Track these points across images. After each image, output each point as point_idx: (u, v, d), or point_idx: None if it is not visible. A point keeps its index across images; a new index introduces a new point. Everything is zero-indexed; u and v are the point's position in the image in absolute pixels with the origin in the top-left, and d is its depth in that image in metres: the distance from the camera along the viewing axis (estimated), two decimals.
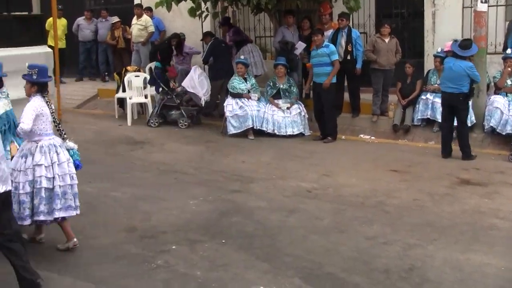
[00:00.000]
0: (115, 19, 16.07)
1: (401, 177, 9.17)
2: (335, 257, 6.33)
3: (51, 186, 6.32)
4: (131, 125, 12.77)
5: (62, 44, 15.73)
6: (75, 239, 6.62)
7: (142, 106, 13.70)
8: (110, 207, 7.92)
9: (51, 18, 13.73)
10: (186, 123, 12.58)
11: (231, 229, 7.17)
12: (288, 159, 10.29)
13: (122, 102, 13.56)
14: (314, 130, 11.93)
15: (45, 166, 6.27)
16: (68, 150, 6.58)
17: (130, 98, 13.04)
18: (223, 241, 6.80)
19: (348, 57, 11.98)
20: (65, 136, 6.68)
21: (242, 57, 12.71)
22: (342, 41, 12.03)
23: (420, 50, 13.04)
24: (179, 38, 13.81)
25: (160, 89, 12.87)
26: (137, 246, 6.67)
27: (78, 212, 6.66)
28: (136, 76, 13.26)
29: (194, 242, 6.78)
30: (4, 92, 6.71)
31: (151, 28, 15.17)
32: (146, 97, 13.20)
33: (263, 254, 6.42)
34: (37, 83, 6.44)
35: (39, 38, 13.02)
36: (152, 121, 12.68)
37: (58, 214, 6.39)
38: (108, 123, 13.08)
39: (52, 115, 6.47)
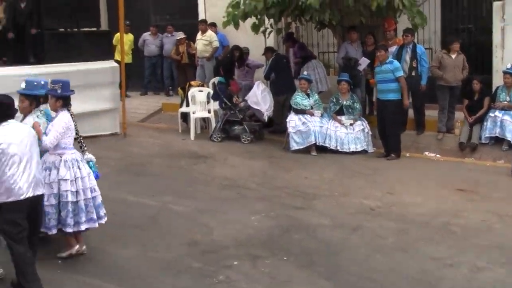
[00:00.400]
0: (181, 35, 16.25)
1: (468, 197, 8.92)
2: (399, 277, 6.19)
3: (75, 200, 6.54)
4: (194, 139, 12.85)
5: (128, 59, 16.02)
6: (77, 246, 6.76)
7: (205, 120, 13.78)
8: (172, 220, 7.96)
9: (118, 34, 14.02)
10: (248, 138, 12.58)
11: (293, 245, 7.11)
12: (351, 176, 10.15)
13: (185, 116, 13.68)
14: (377, 147, 11.75)
15: (70, 181, 6.49)
16: (87, 162, 6.83)
17: (193, 113, 13.14)
18: (285, 257, 6.75)
19: (413, 73, 11.79)
20: (85, 148, 7.00)
21: (305, 73, 12.67)
22: (407, 57, 11.85)
23: (488, 66, 12.70)
24: (241, 50, 13.84)
25: (223, 104, 12.93)
26: (199, 261, 6.67)
27: (103, 221, 6.87)
28: (199, 91, 13.37)
29: (255, 258, 6.75)
30: (42, 111, 6.77)
31: (216, 44, 15.29)
32: (209, 112, 13.27)
33: (325, 272, 6.33)
34: (61, 97, 6.59)
35: (107, 53, 13.36)
36: (215, 135, 12.73)
37: (83, 227, 6.64)
38: (172, 137, 13.19)
39: (75, 129, 6.72)
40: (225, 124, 12.89)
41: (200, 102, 13.27)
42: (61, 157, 6.50)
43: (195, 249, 7.00)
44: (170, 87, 17.21)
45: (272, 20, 12.83)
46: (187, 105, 13.45)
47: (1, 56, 12.82)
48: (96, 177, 6.87)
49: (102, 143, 12.37)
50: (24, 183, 5.64)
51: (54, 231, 6.55)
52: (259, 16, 12.32)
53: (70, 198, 6.48)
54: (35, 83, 6.59)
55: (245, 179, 9.94)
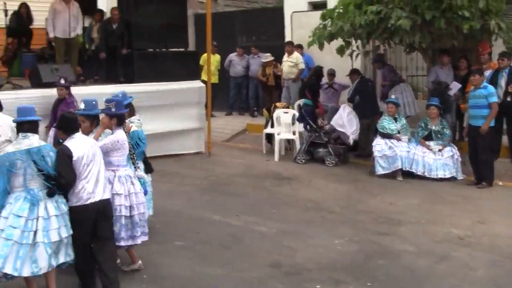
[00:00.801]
0: (268, 57, 16.32)
1: None
2: None
3: (129, 214, 6.64)
4: (278, 160, 12.80)
5: (214, 79, 16.20)
6: (140, 262, 6.87)
7: (289, 142, 13.72)
8: (256, 241, 7.91)
9: (205, 54, 14.21)
10: (333, 161, 12.43)
11: (377, 272, 6.93)
12: (438, 203, 9.84)
13: (270, 137, 13.67)
14: (467, 174, 11.34)
15: (124, 195, 6.61)
16: (138, 179, 6.94)
17: (278, 134, 13.12)
18: (369, 283, 6.60)
19: (508, 99, 11.36)
20: (138, 165, 7.17)
21: (393, 96, 12.44)
22: (502, 82, 11.43)
23: None
24: (320, 70, 13.76)
25: (309, 126, 12.85)
26: (282, 282, 6.60)
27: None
28: (285, 113, 13.34)
29: (338, 282, 6.63)
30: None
31: (302, 65, 15.27)
32: (294, 133, 13.21)
33: None
34: (115, 115, 6.74)
35: (194, 73, 13.55)
36: (299, 157, 12.65)
37: (139, 240, 6.76)
38: (256, 158, 13.20)
39: (130, 146, 6.93)
40: (310, 146, 12.80)
41: (285, 124, 13.24)
42: (115, 173, 6.66)
43: (278, 271, 6.94)
44: (255, 108, 17.29)
45: (359, 42, 12.70)
46: (272, 126, 13.46)
47: (93, 75, 13.23)
48: (145, 193, 7.01)
49: (187, 161, 12.53)
50: (92, 189, 6.01)
51: None
52: (345, 38, 12.22)
53: (124, 212, 6.59)
54: (94, 103, 6.73)
55: (329, 202, 9.80)
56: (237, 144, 15.03)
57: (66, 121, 6.15)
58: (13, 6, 13.34)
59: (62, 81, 10.26)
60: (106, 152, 6.56)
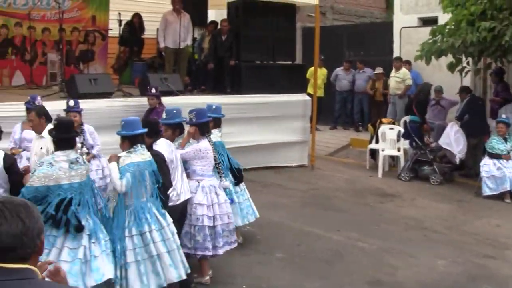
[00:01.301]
0: (379, 70, 16.21)
1: None
2: None
3: (212, 225, 6.68)
4: (381, 177, 12.68)
5: (320, 92, 16.24)
6: (207, 277, 6.82)
7: (393, 159, 13.56)
8: (356, 257, 7.87)
9: (312, 68, 14.29)
10: (438, 180, 12.18)
11: None
12: None
13: (374, 153, 13.57)
14: None
15: (207, 206, 6.68)
16: (224, 189, 6.99)
17: (382, 150, 12.99)
18: None
19: None
20: (223, 175, 7.12)
21: (503, 116, 12.05)
22: None
23: None
24: (429, 87, 13.51)
25: (414, 143, 12.66)
26: None
27: (234, 246, 6.99)
28: (390, 129, 13.20)
29: None
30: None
31: (409, 81, 15.06)
32: (398, 150, 13.05)
33: None
34: (197, 125, 6.85)
35: (300, 86, 13.64)
36: (403, 174, 12.48)
37: (221, 251, 6.78)
38: (359, 173, 13.13)
39: (214, 155, 6.95)
40: (415, 164, 12.61)
41: (390, 140, 13.10)
42: (199, 183, 6.78)
43: None
44: (360, 123, 17.21)
45: (470, 59, 12.39)
46: (377, 142, 13.35)
47: (200, 85, 13.55)
48: (231, 202, 7.05)
49: (289, 173, 12.62)
50: (179, 190, 6.31)
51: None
52: (456, 55, 11.96)
53: (206, 222, 6.64)
54: (175, 112, 6.90)
55: (432, 221, 9.62)
56: (340, 158, 14.99)
57: (149, 126, 6.30)
58: (126, 16, 13.84)
59: (153, 91, 10.22)
60: (189, 161, 6.75)
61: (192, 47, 14.13)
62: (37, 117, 7.16)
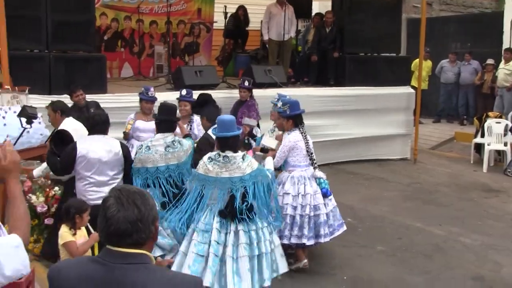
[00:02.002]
0: (490, 61, 15.73)
1: None
2: None
3: (293, 214, 6.68)
4: (486, 172, 12.34)
5: (424, 85, 15.96)
6: (305, 261, 6.84)
7: (500, 153, 13.17)
8: (459, 252, 7.75)
9: (417, 60, 14.07)
10: None
11: None
12: None
13: (479, 147, 13.22)
14: None
15: (292, 196, 6.69)
16: (318, 179, 6.90)
17: (488, 145, 12.65)
18: None
19: None
20: (316, 165, 7.00)
21: None
22: None
23: None
24: None
25: None
26: None
27: (321, 241, 6.85)
28: (497, 123, 12.81)
29: None
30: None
31: None
32: (505, 144, 12.65)
33: None
34: (290, 117, 6.86)
35: (404, 79, 13.46)
36: (509, 170, 12.09)
37: (307, 242, 6.71)
38: (462, 167, 12.84)
39: (306, 146, 6.87)
40: None
41: (496, 134, 12.72)
42: (290, 173, 6.86)
43: (480, 284, 6.76)
44: (465, 116, 16.79)
45: None
46: (482, 136, 12.99)
47: (303, 77, 13.62)
48: (325, 193, 6.92)
49: (391, 166, 12.53)
50: None
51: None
52: None
53: (289, 211, 6.68)
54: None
55: None
56: (443, 152, 14.70)
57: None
58: (231, 9, 14.07)
59: (246, 83, 9.91)
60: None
61: (295, 39, 14.22)
62: (52, 111, 7.43)
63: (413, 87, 13.79)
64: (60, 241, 5.17)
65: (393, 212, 9.40)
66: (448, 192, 10.77)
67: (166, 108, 6.39)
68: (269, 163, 6.41)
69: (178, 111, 7.31)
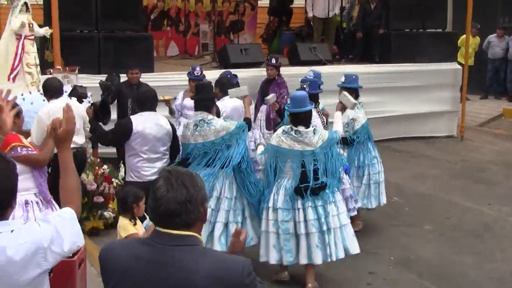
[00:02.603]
0: None
1: None
2: None
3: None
4: None
5: (470, 61, 15.66)
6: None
7: None
8: (509, 232, 7.69)
9: (464, 36, 13.83)
10: None
11: None
12: None
13: None
14: None
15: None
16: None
17: None
18: None
19: None
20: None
21: None
22: None
23: None
24: None
25: None
26: None
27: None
28: None
29: None
30: (360, 103, 7.38)
31: None
32: None
33: None
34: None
35: (450, 55, 13.26)
36: None
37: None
38: (511, 145, 12.65)
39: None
40: None
41: None
42: None
43: None
44: None
45: None
46: None
47: (348, 54, 13.53)
48: (347, 170, 6.89)
49: (437, 144, 12.41)
50: None
51: None
52: None
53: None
54: (354, 77, 7.27)
55: None
56: (491, 129, 14.46)
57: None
58: None
59: (273, 61, 9.68)
60: None
61: (340, 16, 14.12)
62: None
63: (459, 63, 13.57)
64: (123, 234, 5.05)
65: (441, 190, 9.34)
66: (497, 170, 10.64)
67: (201, 88, 6.49)
68: (338, 124, 6.51)
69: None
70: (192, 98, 6.67)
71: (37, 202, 5.07)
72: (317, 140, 5.72)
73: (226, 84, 7.84)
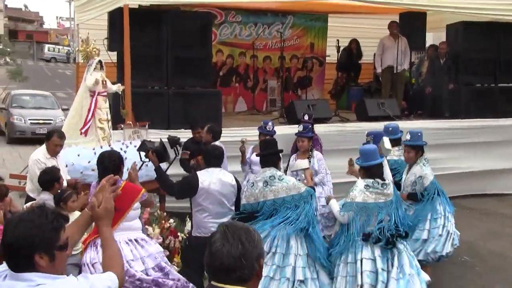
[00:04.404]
0: None
1: None
2: None
3: None
4: None
5: None
6: None
7: None
8: None
9: None
10: None
11: None
12: None
13: None
14: None
15: None
16: None
17: None
18: None
19: None
20: None
21: None
22: None
23: None
24: None
25: None
26: None
27: None
28: None
29: None
30: (426, 159, 7.39)
31: None
32: None
33: None
34: None
35: None
36: None
37: None
38: None
39: None
40: None
41: None
42: None
43: None
44: None
45: None
46: None
47: (417, 109, 13.36)
48: None
49: (511, 201, 11.95)
50: None
51: None
52: None
53: None
54: (419, 134, 7.25)
55: None
56: None
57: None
58: (344, 43, 14.11)
59: (306, 117, 9.56)
60: None
61: (409, 71, 14.05)
62: None
63: None
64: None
65: None
66: None
67: (267, 144, 6.54)
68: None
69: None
70: (257, 155, 6.73)
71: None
72: (391, 190, 5.94)
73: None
